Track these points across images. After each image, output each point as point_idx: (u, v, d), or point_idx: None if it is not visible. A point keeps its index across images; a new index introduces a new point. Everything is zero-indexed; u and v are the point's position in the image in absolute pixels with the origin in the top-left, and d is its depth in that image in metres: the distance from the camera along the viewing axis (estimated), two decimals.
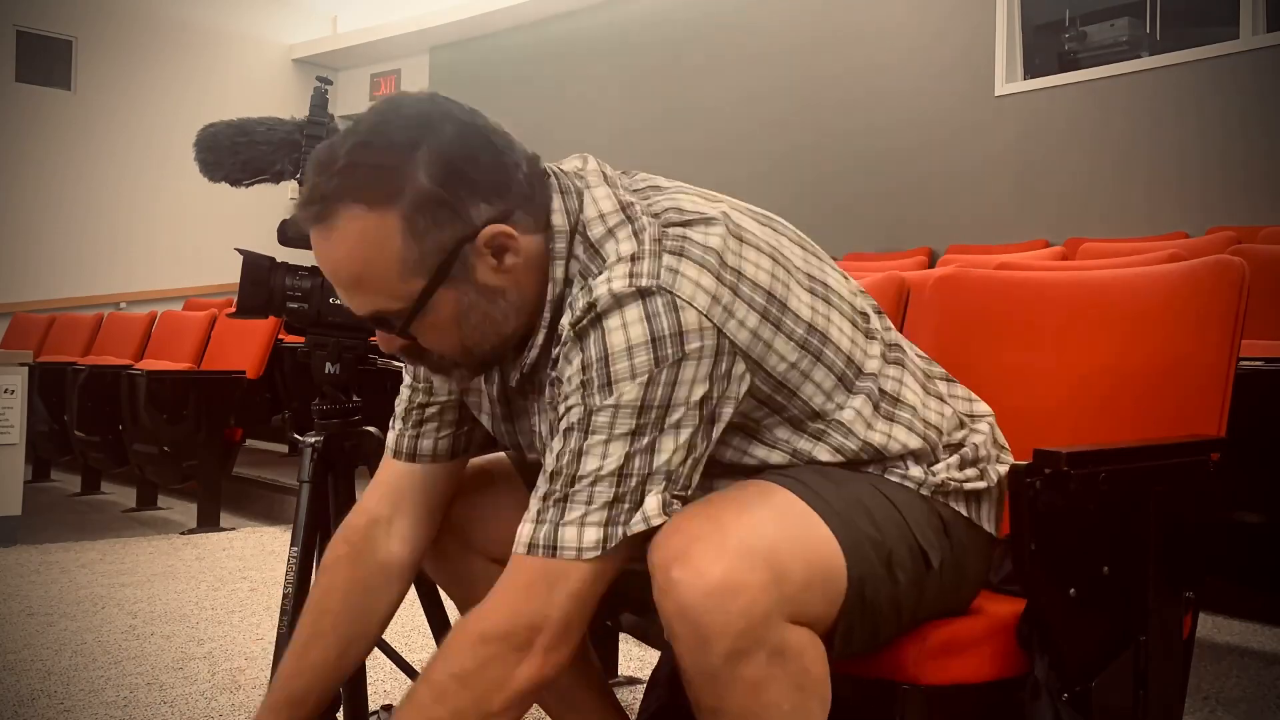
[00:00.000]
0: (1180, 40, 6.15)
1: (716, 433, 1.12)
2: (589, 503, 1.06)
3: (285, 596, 1.42)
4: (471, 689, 1.07)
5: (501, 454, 1.44)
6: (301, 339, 1.47)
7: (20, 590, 3.25)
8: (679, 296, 1.06)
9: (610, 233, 1.13)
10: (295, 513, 1.45)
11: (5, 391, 3.86)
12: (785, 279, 1.15)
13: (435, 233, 1.08)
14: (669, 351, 1.05)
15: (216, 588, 3.31)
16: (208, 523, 4.28)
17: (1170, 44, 6.20)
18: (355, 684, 1.46)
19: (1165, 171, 5.69)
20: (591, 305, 1.07)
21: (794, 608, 1.06)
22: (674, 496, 1.08)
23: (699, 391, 1.07)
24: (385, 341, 1.18)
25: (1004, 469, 1.29)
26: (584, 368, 1.07)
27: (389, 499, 1.34)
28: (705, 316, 1.07)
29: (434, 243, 1.09)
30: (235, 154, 1.44)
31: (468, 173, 1.09)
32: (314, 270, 1.43)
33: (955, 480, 1.24)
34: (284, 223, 1.43)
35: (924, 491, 1.23)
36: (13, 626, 2.85)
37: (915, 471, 1.23)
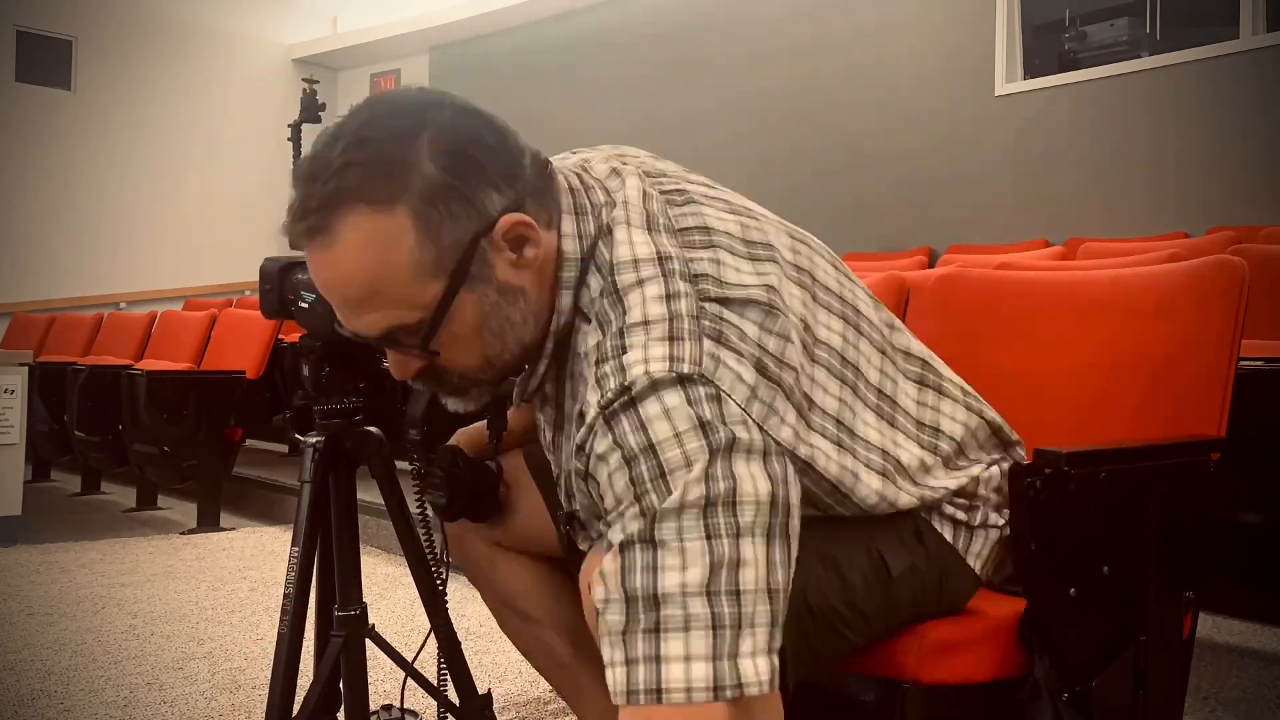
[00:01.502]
0: (1180, 40, 6.15)
1: (794, 543, 0.96)
2: (686, 629, 0.89)
3: (285, 597, 1.42)
4: None
5: (518, 454, 1.48)
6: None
7: (20, 590, 3.25)
8: (720, 387, 0.95)
9: (640, 284, 1.01)
10: (296, 513, 1.45)
11: (5, 391, 3.86)
12: (809, 365, 1.07)
13: (450, 226, 0.98)
14: (720, 436, 0.93)
15: (216, 588, 3.31)
16: (208, 523, 4.28)
17: (1170, 44, 6.20)
18: (355, 684, 1.46)
19: (1165, 171, 5.69)
20: (626, 388, 0.95)
21: None
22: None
23: (764, 486, 0.93)
24: (400, 366, 1.06)
25: (1001, 519, 1.26)
26: (627, 463, 0.93)
27: None
28: (745, 411, 0.96)
29: (450, 238, 0.98)
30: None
31: (476, 156, 0.99)
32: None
33: (937, 498, 1.22)
34: None
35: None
36: (13, 626, 2.85)
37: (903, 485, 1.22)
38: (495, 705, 1.67)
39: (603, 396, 0.96)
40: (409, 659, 1.54)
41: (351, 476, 1.49)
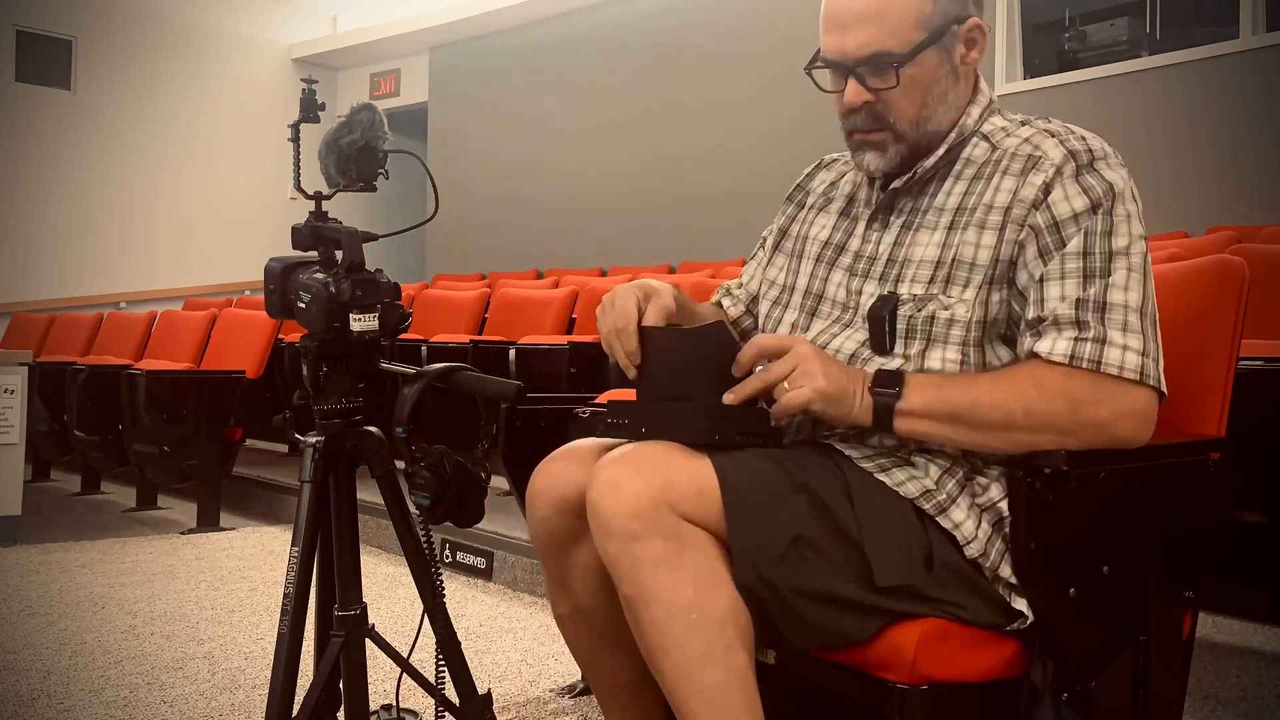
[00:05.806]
0: (1180, 40, 6.16)
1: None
2: (1124, 329, 1.20)
3: (285, 597, 1.42)
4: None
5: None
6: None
7: (20, 590, 3.25)
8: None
9: (1035, 123, 1.35)
10: (296, 513, 1.45)
11: (5, 391, 3.86)
12: None
13: (946, 3, 1.32)
14: (1137, 210, 1.26)
15: (216, 588, 3.31)
16: (208, 523, 4.28)
17: (1170, 44, 6.20)
18: (355, 684, 1.46)
19: (1165, 171, 5.69)
20: (1089, 151, 1.27)
21: (686, 510, 1.17)
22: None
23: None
24: (855, 93, 1.33)
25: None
26: (1094, 207, 1.24)
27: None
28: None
29: (943, 9, 1.32)
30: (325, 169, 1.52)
31: None
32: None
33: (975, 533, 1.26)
34: (295, 228, 1.48)
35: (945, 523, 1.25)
36: (13, 626, 2.85)
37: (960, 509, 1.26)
38: (495, 705, 1.66)
39: (1065, 149, 1.27)
40: (409, 659, 1.54)
41: (352, 476, 1.49)
